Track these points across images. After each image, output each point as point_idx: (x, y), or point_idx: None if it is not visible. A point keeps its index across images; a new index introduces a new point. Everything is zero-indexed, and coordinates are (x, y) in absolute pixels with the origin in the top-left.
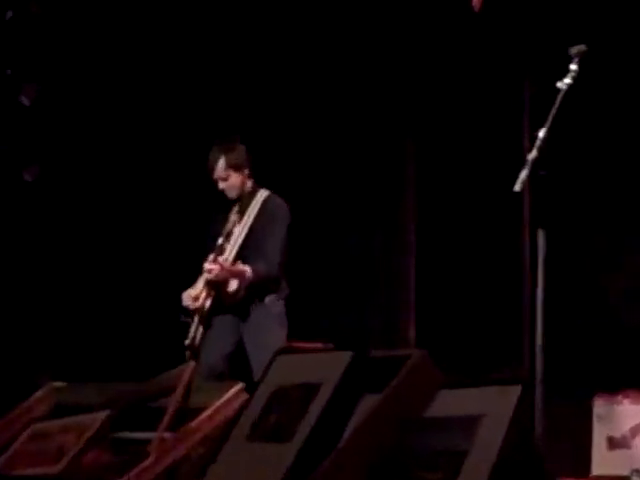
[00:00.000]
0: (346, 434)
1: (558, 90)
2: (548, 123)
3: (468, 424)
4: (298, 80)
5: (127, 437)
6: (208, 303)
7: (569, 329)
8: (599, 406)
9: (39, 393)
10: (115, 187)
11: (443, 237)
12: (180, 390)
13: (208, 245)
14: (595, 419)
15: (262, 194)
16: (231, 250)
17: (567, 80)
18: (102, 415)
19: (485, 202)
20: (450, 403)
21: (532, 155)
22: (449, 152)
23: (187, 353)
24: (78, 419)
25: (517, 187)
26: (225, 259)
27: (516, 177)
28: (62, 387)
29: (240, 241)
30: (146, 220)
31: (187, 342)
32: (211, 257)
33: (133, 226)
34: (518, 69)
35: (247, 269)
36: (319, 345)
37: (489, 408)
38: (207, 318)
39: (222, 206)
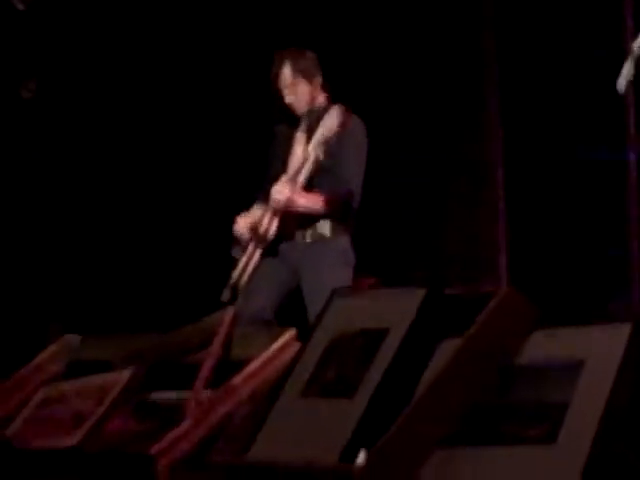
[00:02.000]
0: (421, 387)
1: None
2: None
3: (569, 371)
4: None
5: (157, 399)
6: (272, 231)
7: None
8: None
9: (50, 348)
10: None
11: (532, 153)
12: (219, 340)
13: (269, 166)
14: None
15: (336, 109)
16: (298, 173)
17: None
18: (126, 373)
19: (582, 106)
20: (546, 346)
21: (638, 43)
22: (538, 58)
23: (225, 292)
24: (97, 379)
25: (620, 86)
26: (291, 180)
27: (617, 73)
28: (77, 341)
29: (306, 171)
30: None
31: (232, 280)
32: (282, 179)
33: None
34: None
35: (321, 203)
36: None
37: (593, 351)
38: (270, 248)
39: (284, 118)
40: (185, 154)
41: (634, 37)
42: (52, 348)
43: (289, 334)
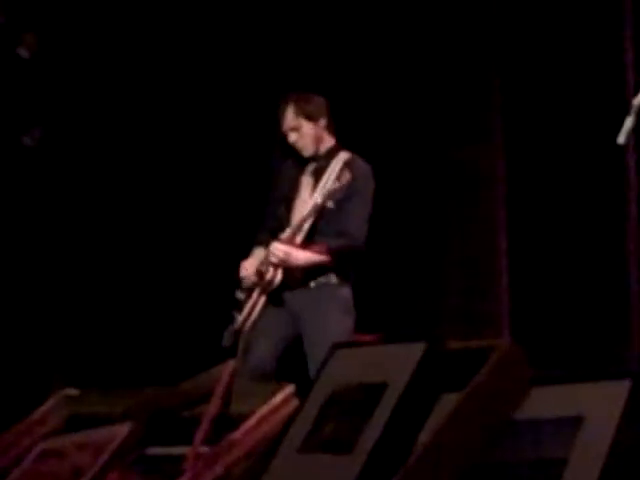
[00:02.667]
0: (420, 443)
1: None
2: None
3: (567, 427)
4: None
5: (156, 453)
6: (278, 278)
7: None
8: None
9: (50, 403)
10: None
11: (535, 206)
12: (218, 395)
13: (271, 204)
14: None
15: (343, 155)
16: (300, 226)
17: None
18: (125, 428)
19: (582, 158)
20: (545, 403)
21: (638, 100)
22: (538, 98)
23: (227, 337)
24: (96, 433)
25: (621, 139)
26: (290, 236)
27: (619, 126)
28: (75, 395)
29: (312, 219)
30: (179, 177)
31: (236, 325)
32: (285, 234)
33: (163, 189)
34: None
35: (323, 255)
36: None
37: (592, 408)
38: (273, 295)
39: (290, 153)
40: (185, 193)
41: (636, 93)
42: (52, 402)
43: (288, 389)
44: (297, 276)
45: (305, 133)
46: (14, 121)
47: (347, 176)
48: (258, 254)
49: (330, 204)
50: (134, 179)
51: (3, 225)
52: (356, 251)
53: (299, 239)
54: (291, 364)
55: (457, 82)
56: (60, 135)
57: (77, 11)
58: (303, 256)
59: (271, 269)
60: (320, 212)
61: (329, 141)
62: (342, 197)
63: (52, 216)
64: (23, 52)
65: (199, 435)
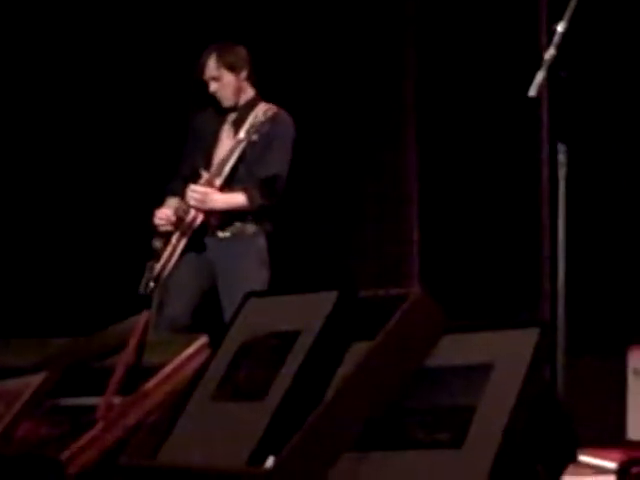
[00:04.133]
0: (331, 390)
1: None
2: (568, 15)
3: (476, 375)
4: None
5: (68, 404)
6: (199, 220)
7: (597, 267)
8: (635, 359)
9: None
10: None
11: (447, 155)
12: (132, 345)
13: (186, 155)
14: (630, 374)
15: (263, 106)
16: (221, 168)
17: None
18: (37, 379)
19: (495, 110)
20: (455, 350)
21: (549, 53)
22: (451, 48)
23: (145, 284)
24: (8, 384)
25: (532, 91)
26: (211, 178)
27: (531, 79)
28: None
29: (234, 159)
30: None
31: (155, 272)
32: (202, 178)
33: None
34: None
35: (242, 199)
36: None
37: (501, 355)
38: (191, 240)
39: (207, 102)
40: (97, 144)
41: (546, 48)
42: None
43: (202, 340)
44: (214, 221)
45: (226, 83)
46: None
47: (267, 125)
48: (172, 203)
49: (255, 137)
50: (46, 124)
51: None
52: (274, 199)
53: (218, 183)
54: (207, 314)
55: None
56: None
57: None
58: (221, 198)
59: (191, 211)
60: (240, 158)
61: (249, 92)
62: (261, 148)
63: None
64: None
65: (112, 385)
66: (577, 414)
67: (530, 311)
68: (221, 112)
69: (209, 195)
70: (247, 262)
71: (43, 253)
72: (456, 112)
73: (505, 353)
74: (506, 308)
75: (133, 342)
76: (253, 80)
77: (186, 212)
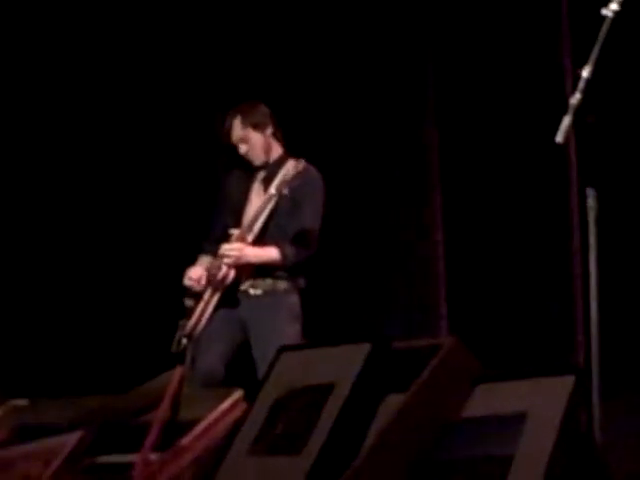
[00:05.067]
0: (367, 443)
1: (603, 18)
2: (593, 59)
3: (512, 424)
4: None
5: (105, 462)
6: (230, 277)
7: (631, 310)
8: None
9: None
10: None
11: (474, 202)
12: (167, 401)
13: (217, 214)
14: None
15: (292, 163)
16: (253, 224)
17: (614, 6)
18: (74, 437)
19: (522, 158)
20: (490, 399)
21: (575, 98)
22: (476, 97)
23: (178, 342)
24: (45, 443)
25: (559, 137)
26: (242, 234)
27: (558, 125)
28: (24, 405)
29: (265, 215)
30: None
31: (186, 331)
32: (234, 235)
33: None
34: None
35: (274, 254)
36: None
37: (536, 404)
38: (224, 297)
39: (237, 163)
40: (132, 202)
41: (572, 94)
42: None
43: (236, 394)
44: (246, 277)
45: (254, 143)
46: None
47: (300, 174)
48: (203, 261)
49: (285, 191)
50: (83, 187)
51: None
52: (307, 254)
53: (250, 238)
54: (241, 369)
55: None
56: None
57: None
58: (253, 252)
59: (223, 268)
60: (271, 213)
61: (278, 149)
62: (295, 195)
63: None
64: None
65: (148, 442)
66: (614, 457)
67: (565, 355)
68: (251, 171)
69: (243, 251)
70: (279, 319)
71: (78, 312)
72: (483, 159)
73: (540, 401)
74: (539, 353)
75: (168, 398)
76: (280, 136)
77: (218, 269)
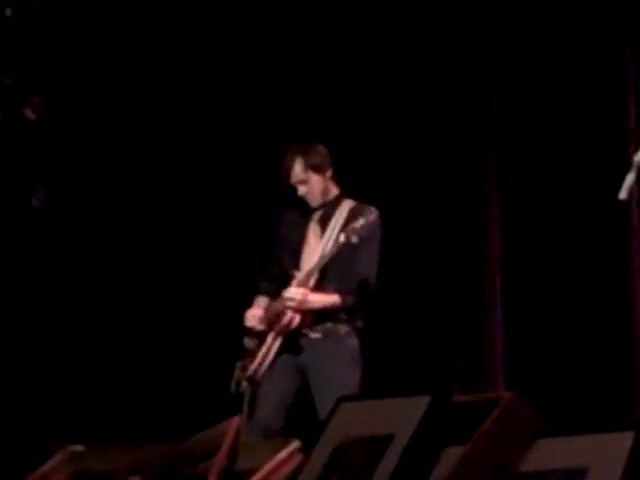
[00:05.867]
0: None
1: None
2: None
3: (573, 479)
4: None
5: None
6: (296, 321)
7: None
8: None
9: (54, 460)
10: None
11: (533, 256)
12: (224, 451)
13: (275, 252)
14: None
15: (349, 203)
16: (313, 269)
17: None
18: None
19: (584, 214)
20: (550, 454)
21: (639, 156)
22: (537, 151)
23: (236, 383)
24: None
25: (623, 194)
26: (305, 279)
27: (621, 182)
28: (81, 451)
29: (326, 259)
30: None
31: (249, 373)
32: (296, 279)
33: (162, 242)
34: (618, 37)
35: (337, 300)
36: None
37: (597, 459)
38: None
39: (293, 202)
40: (187, 243)
41: (636, 149)
42: (57, 458)
43: (294, 445)
44: (308, 321)
45: (314, 185)
46: (21, 182)
47: (354, 223)
48: (261, 302)
49: (355, 239)
50: (138, 233)
51: (7, 283)
52: (366, 298)
53: (311, 283)
54: (300, 414)
55: (453, 124)
56: (66, 194)
57: (84, 72)
58: (317, 299)
59: (288, 312)
60: (331, 257)
61: (334, 189)
62: (354, 239)
63: (52, 274)
64: (29, 113)
65: None
66: None
67: (625, 408)
68: (306, 211)
69: (305, 295)
70: (339, 363)
71: (133, 357)
72: (545, 214)
73: (601, 457)
74: (599, 405)
75: (225, 447)
76: (336, 177)
77: (282, 313)
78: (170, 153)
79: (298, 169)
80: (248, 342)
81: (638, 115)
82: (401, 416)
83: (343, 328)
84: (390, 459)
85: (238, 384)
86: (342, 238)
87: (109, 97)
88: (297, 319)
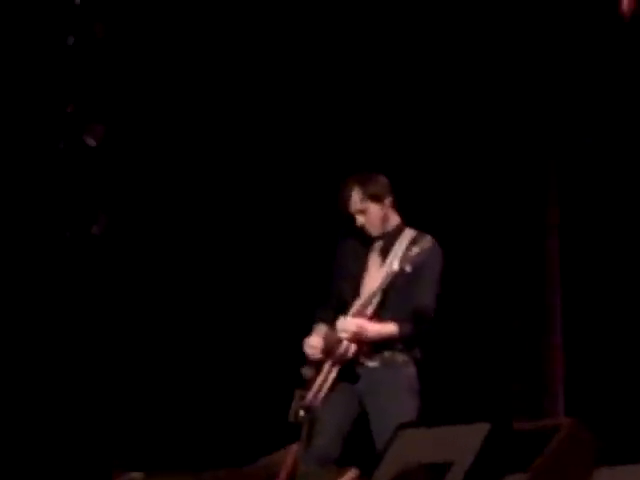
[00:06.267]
0: None
1: None
2: None
3: None
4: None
5: None
6: (352, 351)
7: None
8: None
9: None
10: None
11: (594, 276)
12: (282, 478)
13: (335, 280)
14: None
15: (409, 233)
16: (372, 298)
17: None
18: None
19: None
20: None
21: None
22: (596, 193)
23: (295, 412)
24: None
25: None
26: (362, 308)
27: None
28: (140, 478)
29: (385, 289)
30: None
31: (306, 402)
32: (354, 308)
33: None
34: None
35: (394, 330)
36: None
37: None
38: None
39: (353, 232)
40: (248, 269)
41: None
42: None
43: (352, 473)
44: (365, 348)
45: (372, 214)
46: (82, 210)
47: (414, 253)
48: (321, 330)
49: (408, 268)
50: (201, 256)
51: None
52: (424, 329)
53: (369, 312)
54: (358, 443)
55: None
56: (125, 221)
57: (143, 100)
58: (374, 329)
59: (345, 342)
60: (391, 286)
61: (394, 219)
62: (414, 274)
63: (116, 298)
64: (90, 141)
65: None
66: None
67: None
68: (367, 241)
69: (363, 327)
70: (396, 392)
71: (194, 384)
72: (601, 249)
73: None
74: None
75: (284, 474)
76: (396, 206)
77: (339, 342)
78: (232, 180)
79: (356, 198)
80: (306, 371)
81: None
82: (461, 443)
83: (401, 357)
84: None
85: (297, 413)
86: (395, 266)
87: (169, 124)
88: (353, 348)
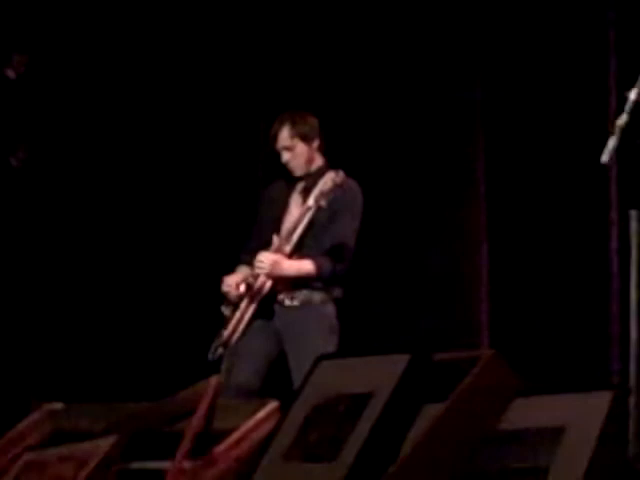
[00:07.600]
0: (403, 453)
1: None
2: None
3: (549, 437)
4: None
5: (138, 468)
6: (267, 286)
7: None
8: None
9: (32, 417)
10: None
11: (516, 220)
12: (202, 411)
13: (257, 225)
14: None
15: (331, 174)
16: (289, 236)
17: None
18: (108, 442)
19: (565, 177)
20: (527, 413)
21: (622, 120)
22: (520, 116)
23: (214, 351)
24: (79, 447)
25: (604, 158)
26: (280, 246)
27: (602, 147)
28: (59, 409)
29: (302, 227)
30: (160, 191)
31: (224, 338)
32: (273, 245)
33: (143, 200)
34: (598, 10)
35: (310, 267)
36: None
37: (574, 418)
38: (260, 307)
39: (277, 174)
40: (169, 210)
41: (619, 114)
42: (35, 415)
43: (272, 405)
44: (282, 288)
45: (299, 153)
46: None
47: (338, 186)
48: (242, 270)
49: (323, 203)
50: (121, 195)
51: None
52: (343, 267)
53: (287, 249)
54: (277, 380)
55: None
56: (46, 155)
57: (66, 32)
58: (290, 266)
59: (260, 277)
60: (309, 225)
61: (319, 160)
62: (332, 206)
63: (36, 230)
64: (10, 73)
65: (182, 450)
66: None
67: (602, 370)
68: (290, 181)
69: (278, 262)
70: (315, 330)
71: (113, 319)
72: (527, 176)
73: (577, 416)
74: (576, 367)
75: (203, 407)
76: (323, 148)
77: (255, 279)
78: (154, 120)
79: (285, 135)
80: (225, 309)
81: (620, 80)
82: (381, 374)
83: (319, 296)
84: (369, 416)
85: (215, 351)
86: (311, 202)
87: (91, 58)
88: (269, 284)
